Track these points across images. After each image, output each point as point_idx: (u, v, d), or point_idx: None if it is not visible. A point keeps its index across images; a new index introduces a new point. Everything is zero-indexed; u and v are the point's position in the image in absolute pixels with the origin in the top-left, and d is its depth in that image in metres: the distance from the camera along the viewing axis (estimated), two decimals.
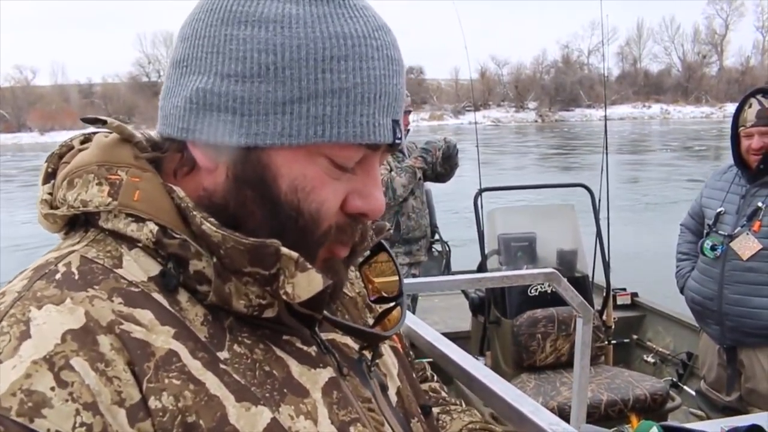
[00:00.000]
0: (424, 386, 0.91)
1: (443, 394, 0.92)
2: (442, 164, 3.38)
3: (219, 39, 0.55)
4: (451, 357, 1.03)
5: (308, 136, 0.55)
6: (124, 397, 0.49)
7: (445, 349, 1.05)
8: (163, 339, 0.52)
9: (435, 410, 0.87)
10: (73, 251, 0.56)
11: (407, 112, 3.52)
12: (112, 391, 0.48)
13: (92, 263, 0.55)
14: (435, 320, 4.15)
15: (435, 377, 0.95)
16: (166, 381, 0.51)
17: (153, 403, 0.49)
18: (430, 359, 1.10)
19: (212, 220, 0.55)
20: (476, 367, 0.98)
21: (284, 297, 0.56)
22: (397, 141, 0.59)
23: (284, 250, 0.55)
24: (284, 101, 0.54)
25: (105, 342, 0.50)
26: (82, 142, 0.64)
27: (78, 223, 0.60)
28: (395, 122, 0.58)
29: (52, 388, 0.46)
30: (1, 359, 0.47)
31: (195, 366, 0.53)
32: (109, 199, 0.56)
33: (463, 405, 0.91)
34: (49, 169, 0.62)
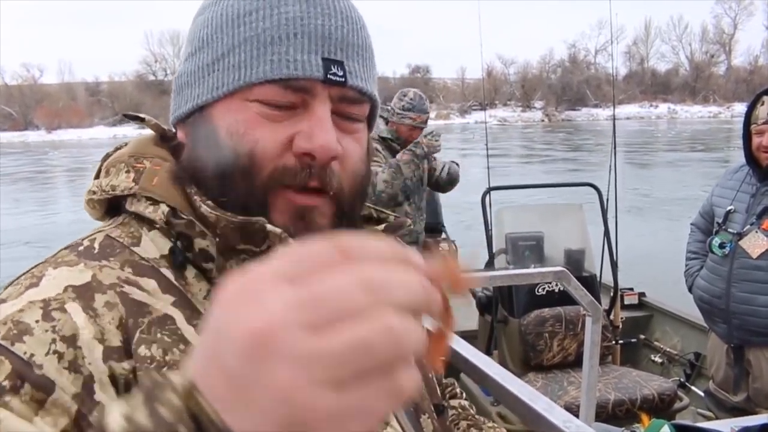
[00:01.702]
0: (454, 402, 0.91)
1: (472, 412, 0.92)
2: (443, 186, 3.45)
3: (188, 33, 0.67)
4: (464, 355, 1.03)
5: (229, 84, 0.60)
6: (106, 338, 0.53)
7: (457, 347, 1.05)
8: (162, 305, 0.57)
9: (464, 423, 0.88)
10: (101, 231, 0.63)
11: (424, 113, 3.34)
12: (96, 330, 0.53)
13: (114, 241, 0.61)
14: None
15: (464, 395, 0.95)
16: (158, 335, 0.55)
17: (143, 351, 0.54)
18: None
19: (209, 202, 0.60)
20: (489, 364, 0.98)
21: None
22: (333, 77, 0.60)
23: (269, 226, 0.58)
24: (213, 61, 0.62)
25: (100, 299, 0.55)
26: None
27: (118, 210, 0.65)
28: (328, 60, 0.60)
29: (37, 321, 0.52)
30: (6, 300, 0.54)
31: (189, 331, 0.56)
32: (133, 184, 0.62)
33: (495, 426, 0.89)
34: (102, 166, 0.68)
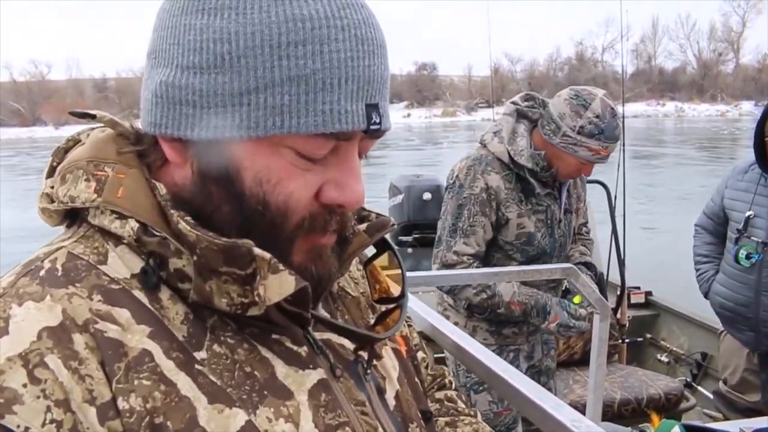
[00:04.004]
0: (440, 394, 0.89)
1: (459, 404, 0.89)
2: None
3: (179, 29, 0.54)
4: (472, 353, 1.02)
5: (267, 128, 0.52)
6: (95, 396, 0.49)
7: (466, 346, 1.04)
8: (137, 338, 0.52)
9: (443, 420, 0.85)
10: (62, 247, 0.56)
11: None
12: (83, 389, 0.48)
13: (77, 259, 0.55)
14: None
15: (453, 384, 0.92)
16: (136, 382, 0.50)
17: (121, 403, 0.49)
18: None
19: (188, 219, 0.54)
20: (497, 363, 0.97)
21: (257, 299, 0.54)
22: (373, 128, 0.55)
23: (257, 251, 0.53)
24: (241, 92, 0.52)
25: (80, 340, 0.50)
26: (89, 137, 0.63)
27: (79, 216, 0.59)
28: (371, 107, 0.54)
29: (24, 385, 0.47)
30: None
31: (168, 366, 0.52)
32: (95, 196, 0.56)
33: (478, 417, 0.87)
34: (54, 164, 0.61)
